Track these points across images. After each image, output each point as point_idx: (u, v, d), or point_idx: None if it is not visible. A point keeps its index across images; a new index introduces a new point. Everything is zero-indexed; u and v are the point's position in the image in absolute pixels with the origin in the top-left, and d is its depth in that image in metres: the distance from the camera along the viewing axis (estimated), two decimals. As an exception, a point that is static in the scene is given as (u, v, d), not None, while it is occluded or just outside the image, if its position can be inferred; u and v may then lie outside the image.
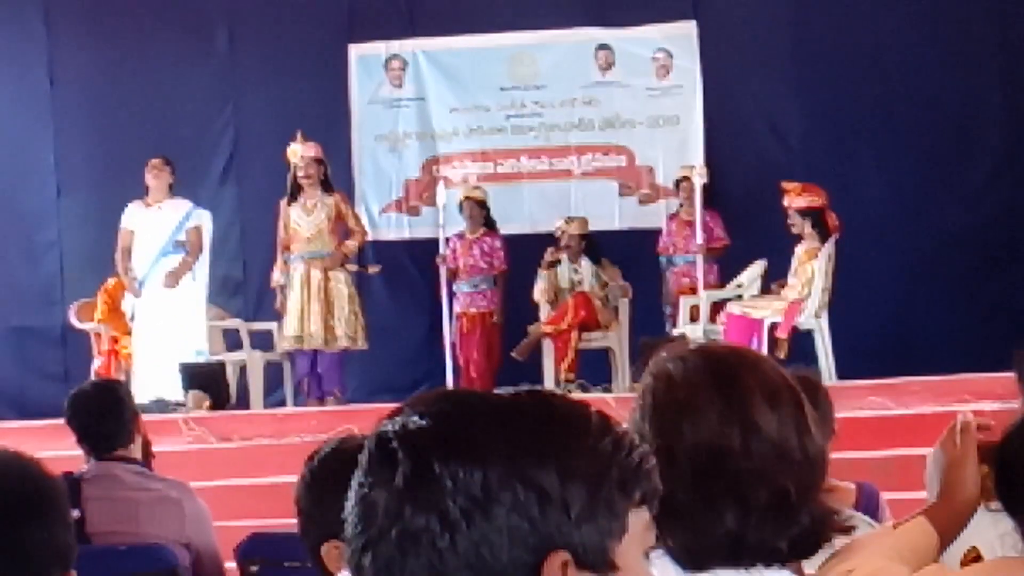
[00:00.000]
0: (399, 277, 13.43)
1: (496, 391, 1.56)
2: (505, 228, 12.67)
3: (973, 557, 3.34)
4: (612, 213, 13.33)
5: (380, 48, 13.72)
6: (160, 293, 11.86)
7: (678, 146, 13.28)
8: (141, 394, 11.43)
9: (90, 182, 13.76)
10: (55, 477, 2.31)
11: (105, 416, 5.40)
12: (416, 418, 1.50)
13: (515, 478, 1.45)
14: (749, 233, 12.33)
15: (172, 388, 11.61)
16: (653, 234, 12.88)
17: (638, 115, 13.48)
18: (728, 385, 2.16)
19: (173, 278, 11.86)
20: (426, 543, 1.45)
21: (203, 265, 12.18)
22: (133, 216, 12.02)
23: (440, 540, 1.45)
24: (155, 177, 11.98)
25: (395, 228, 13.65)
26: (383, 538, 1.47)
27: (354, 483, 1.52)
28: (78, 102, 13.84)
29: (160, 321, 11.80)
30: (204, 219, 12.22)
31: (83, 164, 13.80)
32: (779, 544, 2.11)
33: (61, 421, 10.59)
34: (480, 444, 1.47)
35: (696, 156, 12.84)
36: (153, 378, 11.65)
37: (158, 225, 11.92)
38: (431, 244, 12.88)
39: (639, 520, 1.54)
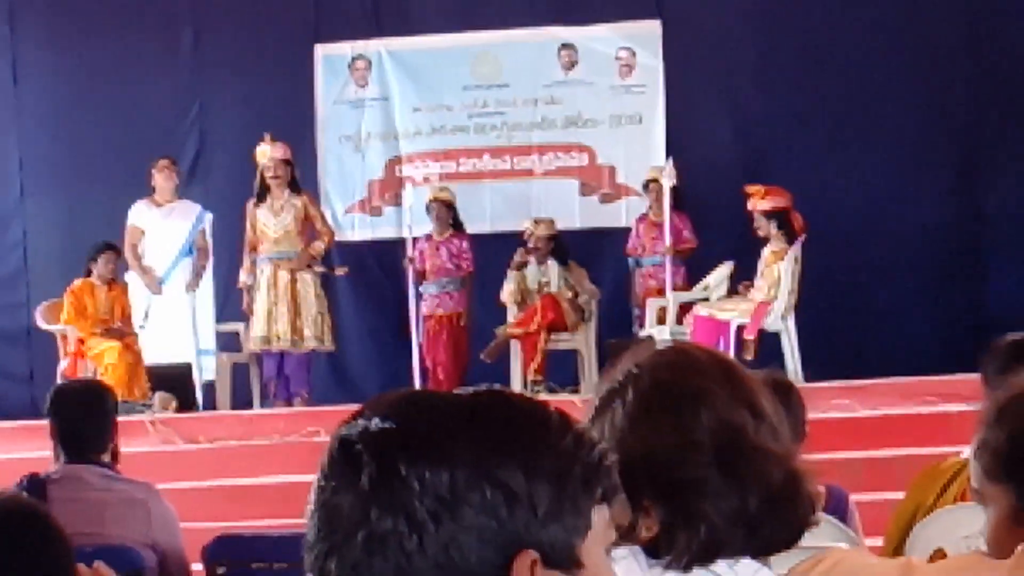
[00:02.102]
0: (363, 278, 13.41)
1: (455, 391, 1.56)
2: (466, 227, 12.66)
3: (939, 559, 3.35)
4: (572, 212, 13.33)
5: (345, 48, 13.71)
6: (174, 295, 12.00)
7: (640, 145, 13.30)
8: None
9: (55, 182, 13.71)
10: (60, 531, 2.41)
11: (88, 419, 5.37)
12: (378, 420, 1.49)
13: (482, 478, 1.45)
14: (716, 235, 12.35)
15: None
16: (615, 234, 12.90)
17: (600, 114, 13.49)
18: (731, 373, 2.19)
19: (196, 281, 12.12)
20: (394, 545, 1.45)
21: (207, 267, 12.36)
22: (142, 215, 12.11)
23: (408, 542, 1.44)
24: (166, 178, 12.13)
25: (359, 229, 13.63)
26: (349, 542, 1.46)
27: (314, 487, 1.51)
28: (43, 102, 13.78)
29: (171, 322, 11.93)
30: (208, 222, 12.30)
31: (48, 164, 13.74)
32: (784, 532, 2.12)
33: (26, 422, 10.53)
34: (446, 445, 1.46)
35: (658, 155, 12.87)
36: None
37: (172, 227, 12.08)
38: (394, 244, 12.90)
39: (601, 518, 1.54)
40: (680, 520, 2.10)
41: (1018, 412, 2.51)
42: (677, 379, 2.17)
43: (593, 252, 12.91)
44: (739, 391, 2.16)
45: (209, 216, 12.32)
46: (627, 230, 12.74)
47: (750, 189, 11.50)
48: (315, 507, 1.50)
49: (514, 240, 12.47)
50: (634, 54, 13.42)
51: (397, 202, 13.39)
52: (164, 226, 12.05)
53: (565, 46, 13.54)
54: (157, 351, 11.87)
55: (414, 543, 1.44)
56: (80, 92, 13.69)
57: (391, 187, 13.54)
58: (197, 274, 12.15)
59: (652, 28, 13.36)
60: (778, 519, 2.11)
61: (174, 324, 12.00)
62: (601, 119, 13.50)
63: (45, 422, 10.89)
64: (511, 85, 13.60)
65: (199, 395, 11.96)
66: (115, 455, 5.45)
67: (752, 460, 2.11)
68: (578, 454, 1.52)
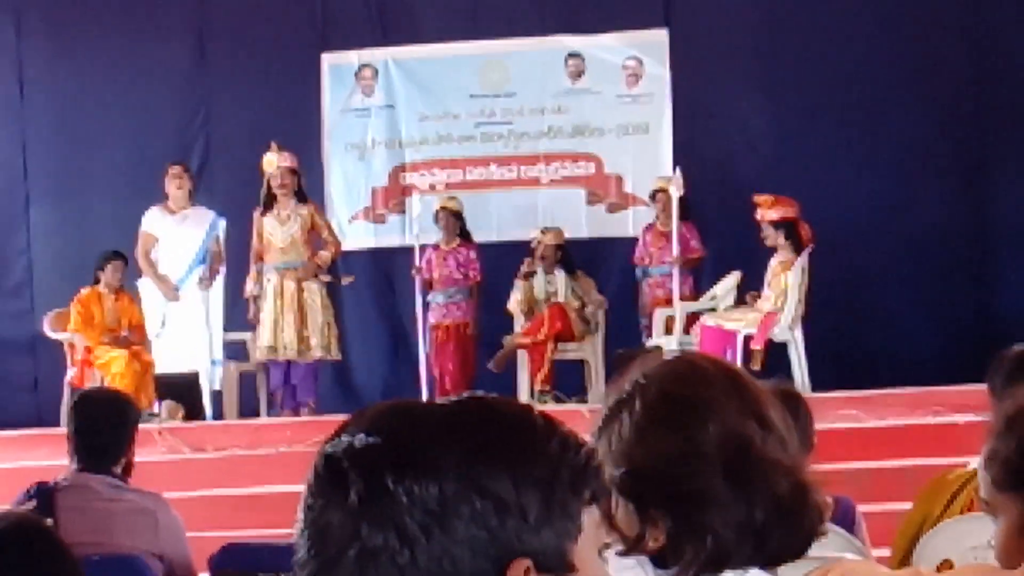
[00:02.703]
0: (368, 286, 13.39)
1: (438, 400, 1.55)
2: (473, 236, 12.66)
3: (947, 570, 3.35)
4: (580, 221, 13.31)
5: (352, 57, 13.71)
6: (188, 303, 11.97)
7: (647, 154, 13.26)
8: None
9: (60, 190, 13.67)
10: (66, 549, 2.43)
11: (107, 429, 5.37)
12: (363, 436, 1.48)
13: (471, 489, 1.45)
14: (723, 244, 12.34)
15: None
16: (623, 243, 12.89)
17: (607, 123, 13.45)
18: (739, 383, 2.19)
19: (210, 281, 12.07)
20: (386, 560, 1.45)
21: (220, 275, 12.31)
22: (156, 222, 12.07)
23: (400, 557, 1.44)
24: (178, 187, 12.07)
25: (363, 237, 13.60)
26: (341, 559, 1.46)
27: (301, 505, 1.51)
28: (48, 110, 13.75)
29: (184, 330, 11.92)
30: (222, 228, 12.27)
31: (53, 172, 13.70)
32: (792, 543, 2.12)
33: (31, 431, 10.52)
34: (433, 457, 1.46)
35: (666, 164, 12.85)
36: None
37: (186, 234, 12.02)
38: (398, 253, 12.91)
39: (591, 519, 1.53)
40: (686, 531, 2.10)
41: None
42: (684, 390, 2.17)
43: (600, 261, 12.90)
44: (746, 402, 2.16)
45: (223, 223, 12.27)
46: (634, 239, 12.74)
47: (758, 199, 11.49)
48: (304, 525, 1.50)
49: (521, 249, 12.47)
50: (641, 63, 13.40)
51: (401, 210, 13.40)
52: (178, 233, 12.01)
53: (572, 55, 13.53)
54: (171, 359, 11.86)
55: (406, 557, 1.44)
56: (86, 101, 13.67)
57: (395, 195, 13.55)
58: (210, 275, 12.10)
59: (659, 37, 13.33)
60: (785, 530, 2.11)
61: (188, 332, 11.99)
62: (608, 128, 13.47)
63: (50, 431, 10.91)
64: (518, 94, 13.58)
65: (209, 404, 11.95)
66: (128, 468, 5.45)
67: (759, 471, 2.11)
68: (564, 457, 1.51)
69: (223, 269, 12.33)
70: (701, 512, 2.09)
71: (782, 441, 2.15)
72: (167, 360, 11.85)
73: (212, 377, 12.13)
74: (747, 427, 2.13)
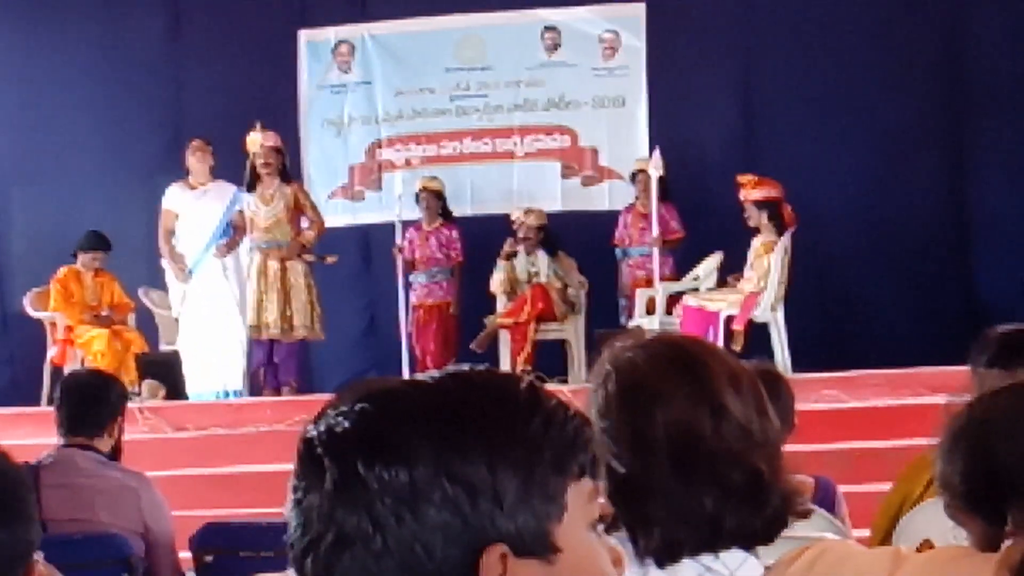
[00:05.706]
0: (346, 264, 13.29)
1: (419, 376, 1.54)
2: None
3: (927, 550, 3.35)
4: (554, 194, 13.26)
5: (329, 33, 13.64)
6: (213, 281, 11.86)
7: (623, 127, 13.19)
8: (199, 382, 11.51)
9: (31, 168, 13.54)
10: (18, 470, 2.28)
11: (89, 401, 5.38)
12: (338, 420, 1.49)
13: (442, 475, 1.44)
14: (704, 225, 12.32)
15: (230, 376, 11.76)
16: (598, 217, 12.84)
17: (583, 96, 13.37)
18: (694, 369, 2.18)
19: (225, 249, 11.85)
20: (360, 545, 1.45)
21: (245, 250, 12.07)
22: (176, 198, 11.95)
23: (373, 542, 1.44)
24: (199, 160, 11.94)
25: (341, 214, 13.53)
26: (321, 541, 1.47)
27: (290, 485, 1.51)
28: (18, 85, 13.60)
29: (211, 308, 11.82)
30: (246, 202, 12.10)
31: (24, 150, 13.56)
32: (755, 526, 2.12)
33: (9, 409, 10.46)
34: (404, 444, 1.45)
35: (642, 138, 12.82)
36: (210, 365, 11.70)
37: (205, 209, 11.88)
38: (378, 230, 12.85)
39: (579, 494, 1.51)
40: (635, 522, 2.11)
41: (968, 447, 2.51)
42: (637, 381, 2.18)
43: (575, 236, 12.73)
44: (701, 389, 2.16)
45: (247, 197, 12.01)
46: (610, 214, 12.71)
47: (741, 179, 11.48)
48: (292, 505, 1.50)
49: (497, 223, 12.44)
50: (618, 36, 13.31)
51: (378, 187, 13.37)
52: (198, 207, 11.85)
53: (549, 28, 13.46)
54: (194, 336, 11.78)
55: (378, 543, 1.44)
56: (57, 76, 13.50)
57: (372, 171, 13.51)
58: (228, 245, 11.89)
59: (636, 11, 13.26)
60: (741, 518, 2.11)
61: (210, 309, 11.86)
62: (584, 101, 13.39)
63: (29, 409, 10.88)
64: (494, 67, 13.49)
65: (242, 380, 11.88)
66: (117, 450, 5.45)
67: (707, 462, 2.11)
68: (547, 436, 1.48)
69: (244, 244, 12.05)
70: (646, 503, 2.10)
71: (740, 428, 2.15)
72: (189, 337, 11.76)
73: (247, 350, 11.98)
74: (697, 417, 2.13)
